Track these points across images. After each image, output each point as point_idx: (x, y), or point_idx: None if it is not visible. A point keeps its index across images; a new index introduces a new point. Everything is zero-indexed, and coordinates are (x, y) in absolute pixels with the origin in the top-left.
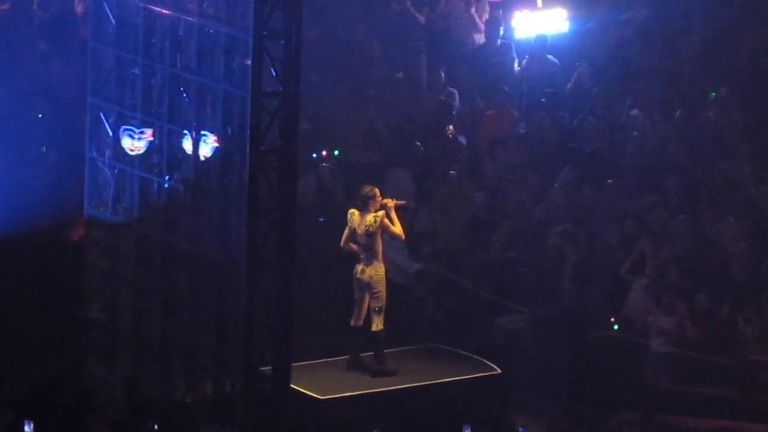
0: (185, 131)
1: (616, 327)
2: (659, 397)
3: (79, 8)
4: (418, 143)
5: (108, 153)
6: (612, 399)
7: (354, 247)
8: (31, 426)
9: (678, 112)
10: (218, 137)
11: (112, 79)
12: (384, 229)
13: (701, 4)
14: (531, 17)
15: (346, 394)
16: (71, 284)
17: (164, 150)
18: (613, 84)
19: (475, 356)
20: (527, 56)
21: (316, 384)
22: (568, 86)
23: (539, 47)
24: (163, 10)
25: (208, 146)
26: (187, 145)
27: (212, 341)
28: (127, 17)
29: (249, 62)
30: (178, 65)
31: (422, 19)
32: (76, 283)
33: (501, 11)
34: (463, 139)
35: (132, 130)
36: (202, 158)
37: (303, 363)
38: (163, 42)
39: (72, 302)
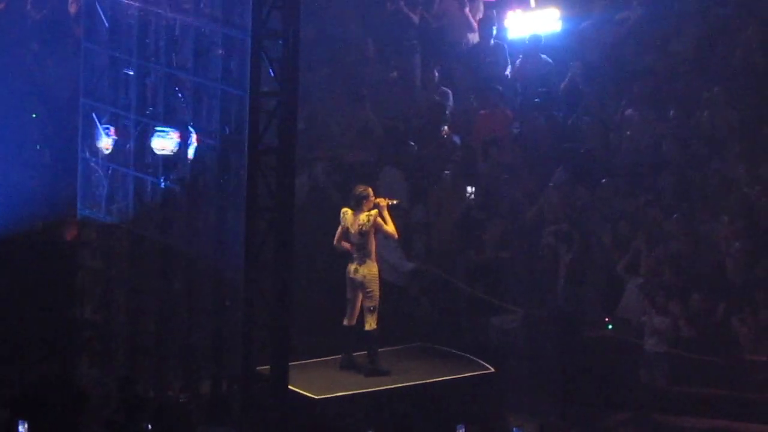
0: (156, 128)
1: (610, 327)
2: (654, 397)
3: (72, 8)
4: (412, 143)
5: (101, 153)
6: (606, 399)
7: (346, 245)
8: (26, 426)
9: (672, 112)
10: (198, 136)
11: (105, 79)
12: (377, 228)
13: (695, 3)
14: (524, 17)
15: (340, 394)
16: (65, 285)
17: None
18: (607, 84)
19: (467, 355)
20: (521, 56)
21: (311, 384)
22: (562, 86)
23: (533, 47)
24: (159, 10)
25: (172, 141)
26: (156, 143)
27: (209, 341)
28: (121, 17)
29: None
30: (174, 65)
31: (416, 19)
32: (70, 283)
33: (495, 11)
34: (457, 139)
35: (164, 131)
36: (104, 151)
37: (296, 363)
38: (158, 42)
39: (66, 303)
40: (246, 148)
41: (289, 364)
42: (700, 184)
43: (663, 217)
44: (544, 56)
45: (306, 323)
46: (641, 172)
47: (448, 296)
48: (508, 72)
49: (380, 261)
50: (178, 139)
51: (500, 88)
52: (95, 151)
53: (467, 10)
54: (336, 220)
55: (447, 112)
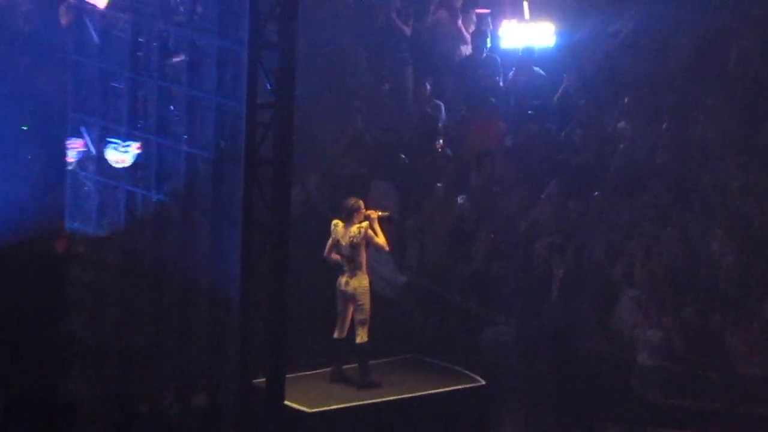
0: (110, 140)
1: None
2: (647, 410)
3: (63, 20)
4: (404, 156)
5: (91, 167)
6: (599, 412)
7: (337, 257)
8: None
9: (665, 123)
10: (141, 145)
11: (95, 92)
12: (368, 241)
13: (690, 12)
14: (518, 29)
15: (333, 407)
16: (54, 298)
17: (152, 163)
18: (601, 95)
19: (456, 367)
20: (514, 68)
21: (303, 397)
22: (555, 98)
23: (526, 59)
24: (151, 23)
25: (128, 155)
26: (111, 155)
27: (203, 355)
28: (112, 30)
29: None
30: (168, 78)
31: (408, 31)
32: (59, 297)
33: (489, 23)
34: (449, 152)
35: (117, 143)
36: (115, 164)
37: (286, 376)
38: (150, 54)
39: (55, 316)
40: (243, 160)
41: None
42: (695, 195)
43: (657, 229)
44: (537, 68)
45: (296, 336)
46: (635, 184)
47: (441, 309)
48: (500, 83)
49: (373, 274)
50: (138, 150)
51: (493, 100)
52: (84, 164)
53: (460, 22)
54: (326, 232)
55: (439, 124)
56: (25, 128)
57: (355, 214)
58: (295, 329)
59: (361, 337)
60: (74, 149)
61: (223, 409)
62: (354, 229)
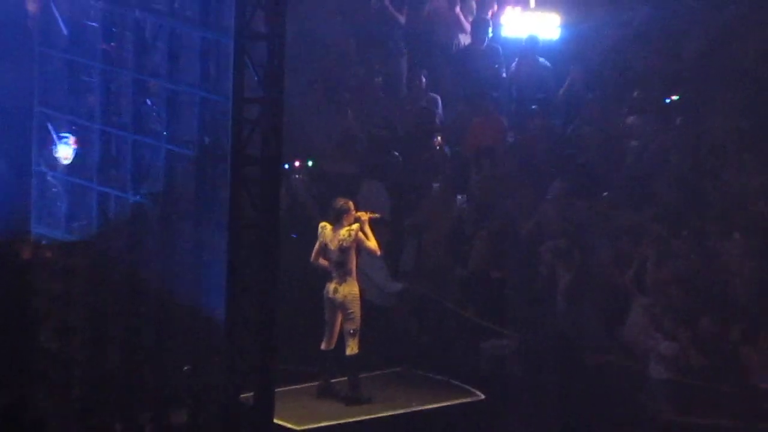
0: (60, 134)
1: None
2: (659, 428)
3: (31, 6)
4: (396, 153)
5: (59, 167)
6: (608, 429)
7: (325, 263)
8: None
9: (679, 119)
10: (77, 139)
11: (64, 86)
12: (359, 244)
13: (705, 2)
14: (522, 18)
15: (323, 424)
16: (18, 309)
17: (128, 162)
18: (609, 89)
19: (453, 381)
20: (517, 59)
21: (289, 413)
22: (561, 91)
23: (530, 49)
24: (126, 11)
25: (68, 148)
26: (62, 151)
27: (184, 369)
28: (82, 19)
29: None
30: (145, 71)
31: (402, 19)
32: (24, 307)
33: (490, 11)
34: (446, 149)
35: (65, 137)
36: (63, 161)
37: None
38: (125, 45)
39: (20, 328)
40: (229, 159)
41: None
42: (710, 197)
43: (669, 233)
44: (541, 59)
45: (280, 347)
46: (645, 184)
47: (437, 318)
48: (504, 71)
49: (365, 281)
50: (75, 146)
51: (494, 93)
52: (52, 164)
53: (458, 9)
54: (314, 235)
55: (436, 120)
56: None
57: (345, 215)
58: (280, 340)
59: (352, 348)
60: (70, 146)
61: (205, 427)
62: (343, 232)
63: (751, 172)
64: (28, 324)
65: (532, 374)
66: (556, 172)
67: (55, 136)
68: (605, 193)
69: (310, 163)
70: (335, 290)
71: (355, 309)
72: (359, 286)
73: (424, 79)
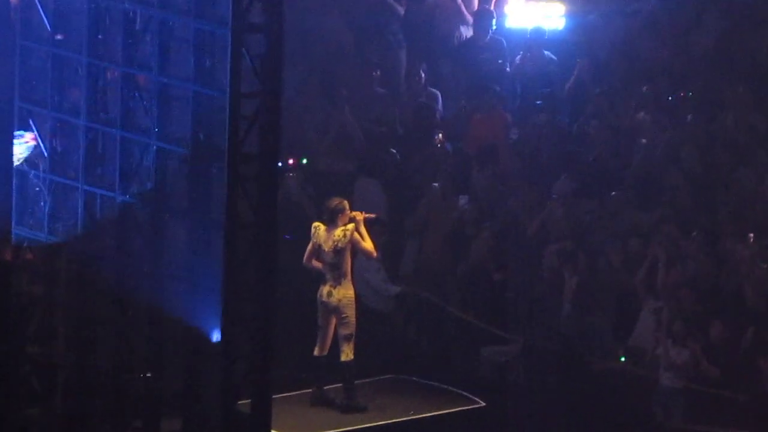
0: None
1: (623, 359)
2: None
3: None
4: (394, 150)
5: (42, 165)
6: None
7: (318, 265)
8: None
9: (690, 115)
10: (35, 136)
11: (46, 81)
12: (354, 245)
13: None
14: (527, 8)
15: None
16: None
17: (116, 160)
18: (618, 83)
19: (450, 388)
20: (521, 52)
21: (283, 422)
22: (567, 86)
23: (535, 42)
24: (114, 2)
25: (23, 146)
26: (16, 149)
27: (174, 376)
28: (67, 10)
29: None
30: (134, 64)
31: (401, 10)
32: (5, 311)
33: (493, 1)
34: (448, 146)
35: (20, 134)
36: (17, 161)
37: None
38: (113, 38)
39: (0, 333)
40: (226, 156)
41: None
42: (723, 196)
43: (680, 234)
44: (547, 52)
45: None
46: (655, 182)
47: (437, 323)
48: (506, 69)
49: (361, 284)
50: (32, 142)
51: (497, 88)
52: (34, 162)
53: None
54: (307, 236)
55: (437, 116)
56: None
57: (339, 215)
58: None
59: (347, 354)
60: (23, 143)
61: None
62: (338, 232)
63: (764, 169)
64: (8, 328)
65: (535, 381)
66: (563, 171)
67: (39, 137)
68: (613, 192)
69: (304, 161)
70: (329, 293)
71: (350, 313)
72: (354, 290)
73: (423, 74)
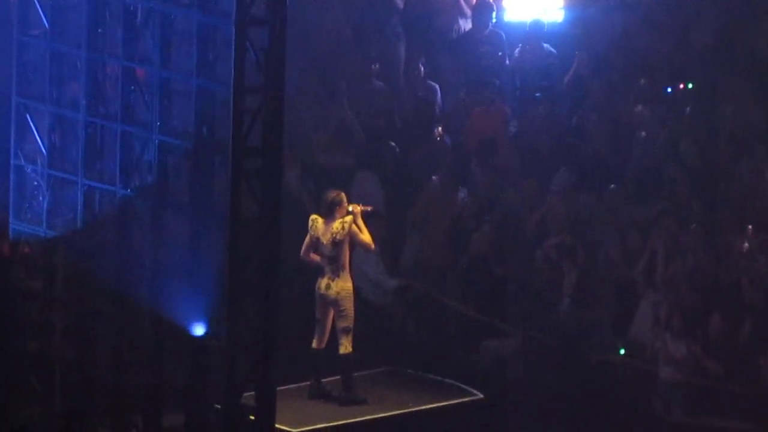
0: None
1: (622, 351)
2: (669, 431)
3: None
4: (393, 144)
5: (40, 160)
6: None
7: (316, 258)
8: None
9: (689, 108)
10: None
11: (44, 75)
12: (352, 237)
13: None
14: (526, 0)
15: (319, 426)
16: None
17: (116, 155)
18: (617, 76)
19: (446, 380)
20: (520, 45)
21: (282, 415)
22: (566, 79)
23: (534, 35)
24: None
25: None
26: None
27: (175, 370)
28: (66, 4)
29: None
30: (135, 58)
31: (400, 3)
32: (4, 307)
33: None
34: (447, 140)
35: None
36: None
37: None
38: (113, 32)
39: None
40: (230, 150)
41: (249, 394)
42: (722, 190)
43: (679, 227)
44: (546, 45)
45: None
46: (654, 176)
47: (436, 316)
48: (505, 62)
49: (359, 277)
50: None
51: (496, 81)
52: (32, 157)
53: None
54: (306, 230)
55: (436, 109)
56: None
57: (337, 208)
58: None
59: (345, 347)
60: None
61: (202, 429)
62: (336, 224)
63: (763, 163)
64: (6, 324)
65: (534, 374)
66: (562, 164)
67: (37, 132)
68: (612, 186)
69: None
70: (328, 286)
71: (349, 306)
72: (353, 282)
73: (422, 67)
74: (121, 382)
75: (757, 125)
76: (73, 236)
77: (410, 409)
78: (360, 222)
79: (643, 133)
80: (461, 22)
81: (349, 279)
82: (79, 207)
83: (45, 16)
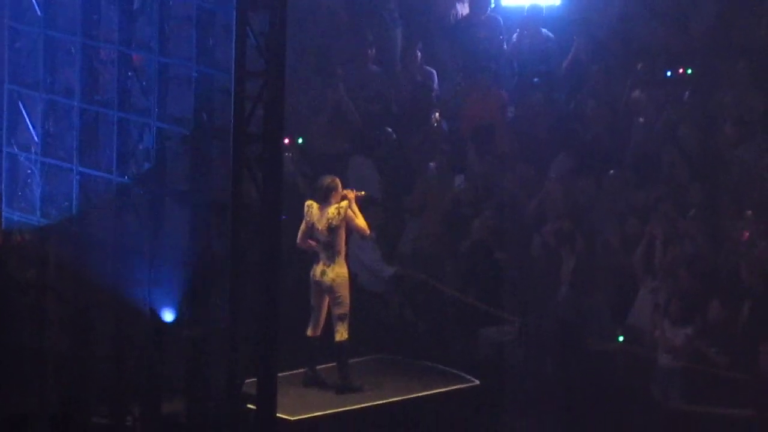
0: None
1: (620, 339)
2: (667, 418)
3: None
4: (390, 129)
5: (33, 148)
6: (614, 420)
7: (312, 244)
8: None
9: (687, 93)
10: None
11: (38, 62)
12: (348, 223)
13: None
14: None
15: (316, 414)
16: None
17: (113, 142)
18: (615, 61)
19: (440, 366)
20: (518, 30)
21: (279, 403)
22: (564, 64)
23: (532, 19)
24: None
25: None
26: None
27: (173, 359)
28: None
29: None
30: (132, 44)
31: None
32: None
33: None
34: (444, 126)
35: None
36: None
37: (254, 380)
38: (109, 17)
39: None
40: (231, 137)
41: (246, 381)
42: (721, 175)
43: (678, 213)
44: (544, 30)
45: None
46: (653, 161)
47: (433, 304)
48: (503, 47)
49: (355, 264)
50: None
51: (494, 66)
52: (25, 145)
53: None
54: (301, 215)
55: (433, 94)
56: None
57: (333, 193)
58: None
59: (341, 334)
60: None
61: (203, 417)
62: (332, 210)
63: (763, 147)
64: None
65: (532, 361)
66: (560, 149)
67: (29, 120)
68: (611, 171)
69: (300, 141)
70: (323, 272)
71: (344, 292)
72: (348, 269)
73: (419, 52)
74: (118, 371)
75: (756, 110)
76: (68, 225)
77: (407, 396)
78: (354, 207)
79: (642, 119)
80: (459, 6)
81: (345, 265)
82: (74, 195)
83: (37, 2)
